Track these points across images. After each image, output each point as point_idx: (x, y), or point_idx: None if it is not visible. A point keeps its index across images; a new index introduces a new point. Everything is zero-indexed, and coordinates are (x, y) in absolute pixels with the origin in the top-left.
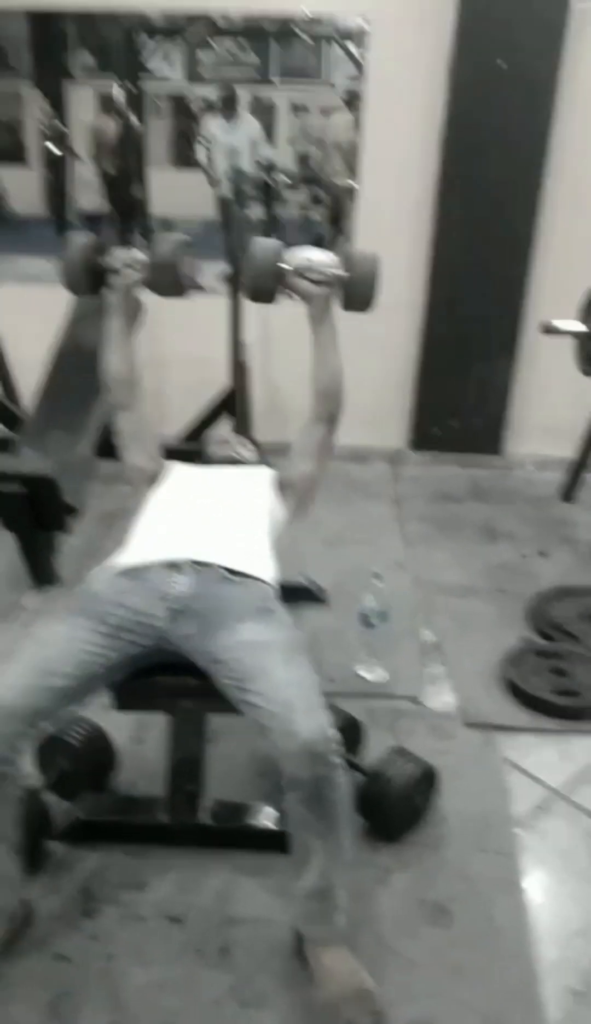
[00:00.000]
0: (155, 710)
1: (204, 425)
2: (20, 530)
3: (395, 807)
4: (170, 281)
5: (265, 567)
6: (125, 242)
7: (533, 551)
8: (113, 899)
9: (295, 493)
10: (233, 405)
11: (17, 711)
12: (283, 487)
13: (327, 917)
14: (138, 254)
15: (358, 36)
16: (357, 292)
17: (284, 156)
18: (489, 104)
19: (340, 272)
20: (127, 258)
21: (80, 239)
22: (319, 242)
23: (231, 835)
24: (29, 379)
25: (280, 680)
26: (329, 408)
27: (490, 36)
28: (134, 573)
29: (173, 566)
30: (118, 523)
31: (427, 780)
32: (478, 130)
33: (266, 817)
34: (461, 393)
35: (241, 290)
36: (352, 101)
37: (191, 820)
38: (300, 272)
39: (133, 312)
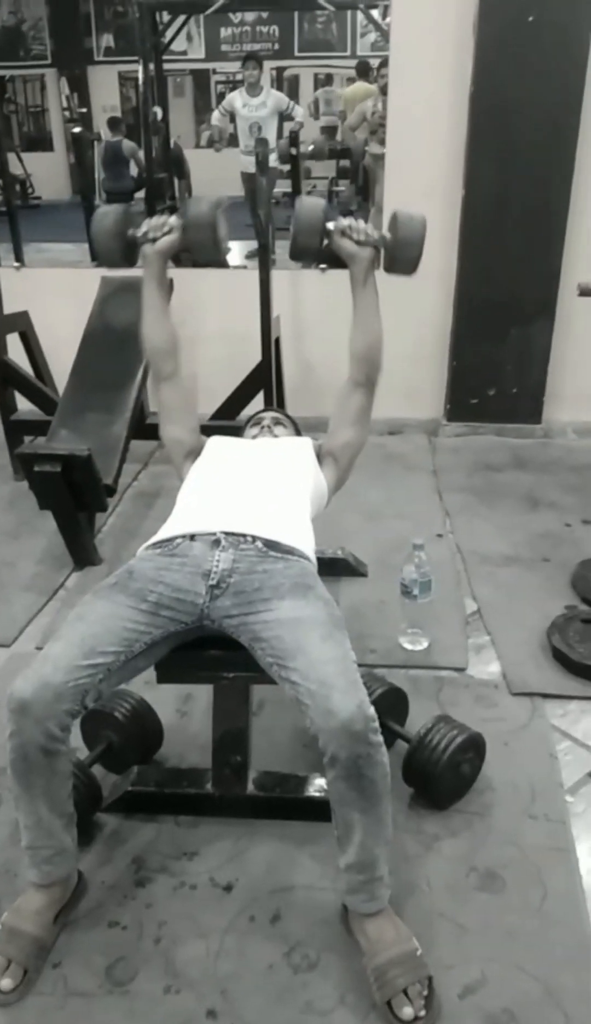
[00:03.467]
0: (197, 682)
1: (237, 401)
2: (59, 510)
3: (442, 775)
4: (209, 241)
5: (305, 539)
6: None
7: (577, 519)
8: (164, 868)
9: (336, 462)
10: (266, 380)
11: (64, 690)
12: (323, 456)
13: (370, 890)
14: (171, 219)
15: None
16: (402, 254)
17: (309, 129)
18: (518, 61)
19: (385, 233)
20: (159, 223)
21: (109, 208)
22: (348, 214)
23: (278, 805)
24: (62, 362)
25: (318, 657)
26: (368, 372)
27: None
28: (173, 549)
29: (213, 542)
30: (156, 503)
31: (474, 747)
32: (508, 89)
33: (312, 787)
34: (498, 361)
35: (289, 253)
36: (378, 70)
37: (238, 791)
38: (344, 232)
39: (166, 280)
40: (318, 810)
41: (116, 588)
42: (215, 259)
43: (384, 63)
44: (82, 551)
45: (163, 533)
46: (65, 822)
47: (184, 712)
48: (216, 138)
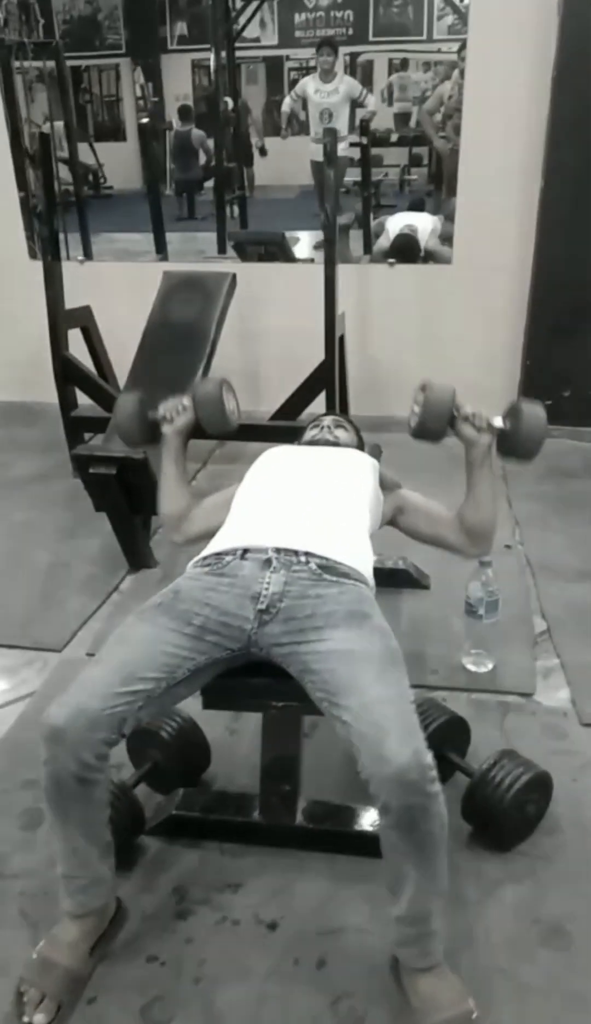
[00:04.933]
0: (245, 710)
1: (299, 401)
2: (114, 512)
3: (505, 815)
4: (218, 417)
5: (363, 559)
6: (220, 212)
7: None
8: (207, 900)
9: (392, 511)
10: (329, 380)
11: (102, 717)
12: (388, 489)
13: (423, 944)
14: (185, 400)
15: None
16: (519, 446)
17: (383, 116)
18: None
19: (504, 425)
20: (174, 405)
21: (128, 399)
22: (420, 205)
23: (328, 838)
24: (126, 357)
25: (372, 697)
26: (473, 543)
27: None
28: (223, 567)
29: (265, 562)
30: None
31: (541, 786)
32: None
33: (366, 820)
34: (574, 361)
35: (409, 431)
36: (458, 53)
37: (287, 821)
38: (467, 418)
39: (184, 457)
40: (371, 845)
41: (160, 609)
42: (225, 432)
43: (463, 46)
44: (137, 554)
45: (214, 547)
46: (101, 851)
47: (234, 730)
48: (283, 124)
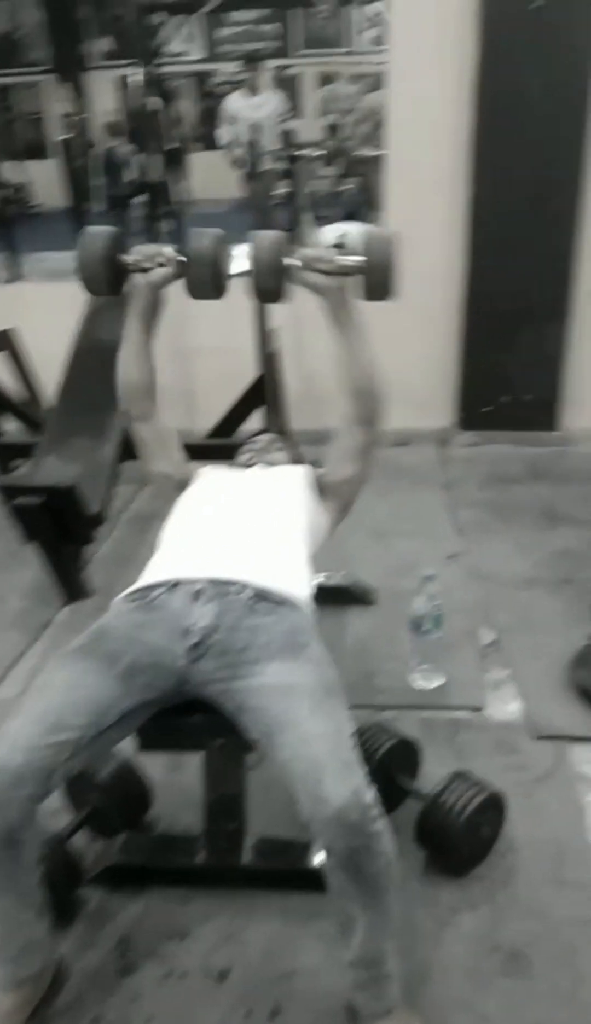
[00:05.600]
0: (184, 750)
1: (234, 418)
2: (45, 544)
3: (459, 839)
4: (210, 279)
5: (300, 584)
6: (152, 227)
7: None
8: (152, 952)
9: (336, 496)
10: (264, 397)
11: (26, 773)
12: (324, 489)
13: (378, 987)
14: (166, 249)
15: None
16: (375, 279)
17: (312, 129)
18: (522, 50)
19: (354, 259)
20: (153, 253)
21: (98, 231)
22: (353, 216)
23: (279, 876)
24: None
25: (307, 733)
26: (367, 410)
27: None
28: (151, 601)
29: (195, 593)
30: (152, 526)
31: (495, 807)
32: (514, 81)
33: (317, 855)
34: (511, 366)
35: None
36: (380, 66)
37: (233, 861)
38: (308, 264)
39: (155, 314)
40: (321, 880)
41: (84, 651)
42: (212, 297)
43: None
44: (71, 585)
45: (142, 580)
46: (34, 914)
47: (175, 766)
48: (231, 155)
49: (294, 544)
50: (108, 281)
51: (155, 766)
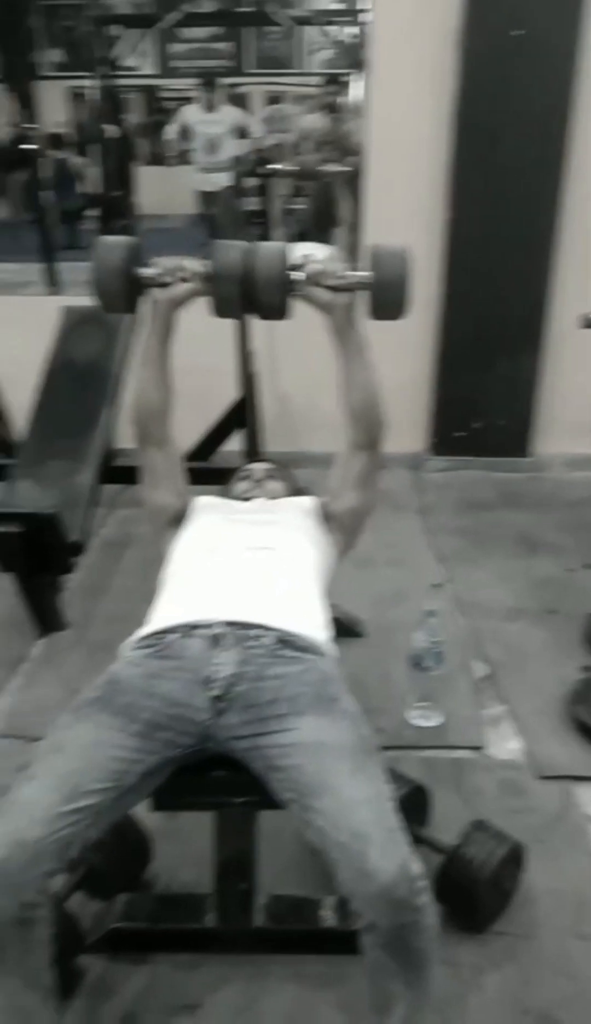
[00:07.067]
0: (201, 809)
1: (213, 441)
2: (20, 573)
3: (485, 896)
4: (236, 296)
5: (322, 628)
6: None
7: (578, 563)
8: None
9: (342, 527)
10: (243, 418)
11: (46, 847)
12: (328, 519)
13: None
14: (189, 262)
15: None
16: (386, 297)
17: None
18: (505, 78)
19: (363, 274)
20: (175, 267)
21: (114, 241)
22: (304, 236)
23: (293, 938)
24: (17, 398)
25: (348, 799)
26: (369, 433)
27: (503, 2)
28: (165, 648)
29: (213, 638)
30: (125, 554)
31: (514, 859)
32: (494, 107)
33: (330, 913)
34: (484, 392)
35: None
36: (332, 86)
37: (245, 924)
38: (315, 279)
39: (172, 333)
40: (341, 941)
41: (99, 705)
42: (238, 317)
43: (330, 80)
44: (47, 617)
45: (153, 624)
46: (43, 996)
47: (173, 815)
48: (167, 152)
49: (309, 583)
50: (125, 297)
51: (151, 816)
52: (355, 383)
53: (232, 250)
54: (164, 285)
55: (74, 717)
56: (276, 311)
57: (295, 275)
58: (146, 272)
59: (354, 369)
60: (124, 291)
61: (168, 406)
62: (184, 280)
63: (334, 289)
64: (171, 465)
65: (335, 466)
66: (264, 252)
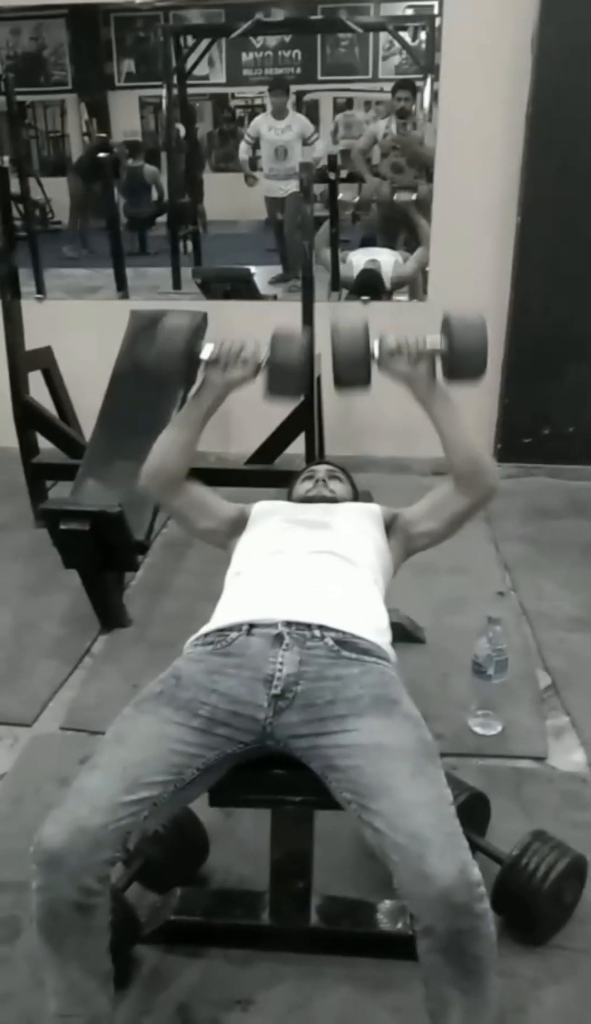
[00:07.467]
0: (258, 807)
1: (276, 444)
2: (85, 570)
3: (545, 907)
4: (294, 386)
5: (382, 632)
6: (175, 246)
7: None
8: (215, 1020)
9: (407, 542)
10: (310, 422)
11: (106, 835)
12: (396, 529)
13: None
14: (251, 347)
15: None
16: (462, 364)
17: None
18: (580, 85)
19: (438, 346)
20: (235, 352)
21: (178, 325)
22: (373, 240)
23: (347, 940)
24: (87, 400)
25: (408, 800)
26: (476, 493)
27: (579, 6)
28: (227, 646)
29: (275, 637)
30: (187, 553)
31: (576, 872)
32: (568, 110)
33: (385, 917)
34: (553, 398)
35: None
36: (394, 92)
37: (300, 923)
38: (390, 353)
39: (218, 406)
40: (395, 946)
41: (162, 699)
42: (291, 399)
43: (400, 85)
44: (110, 613)
45: (215, 622)
46: (101, 982)
47: (230, 812)
48: (247, 170)
49: (370, 588)
50: (184, 376)
51: (208, 811)
52: (454, 445)
53: (293, 341)
54: (223, 368)
55: (137, 710)
56: (358, 387)
57: (374, 351)
58: (206, 356)
59: (448, 432)
60: (183, 371)
61: (185, 472)
62: (244, 363)
63: (411, 361)
64: (195, 502)
65: (433, 492)
66: (343, 328)
